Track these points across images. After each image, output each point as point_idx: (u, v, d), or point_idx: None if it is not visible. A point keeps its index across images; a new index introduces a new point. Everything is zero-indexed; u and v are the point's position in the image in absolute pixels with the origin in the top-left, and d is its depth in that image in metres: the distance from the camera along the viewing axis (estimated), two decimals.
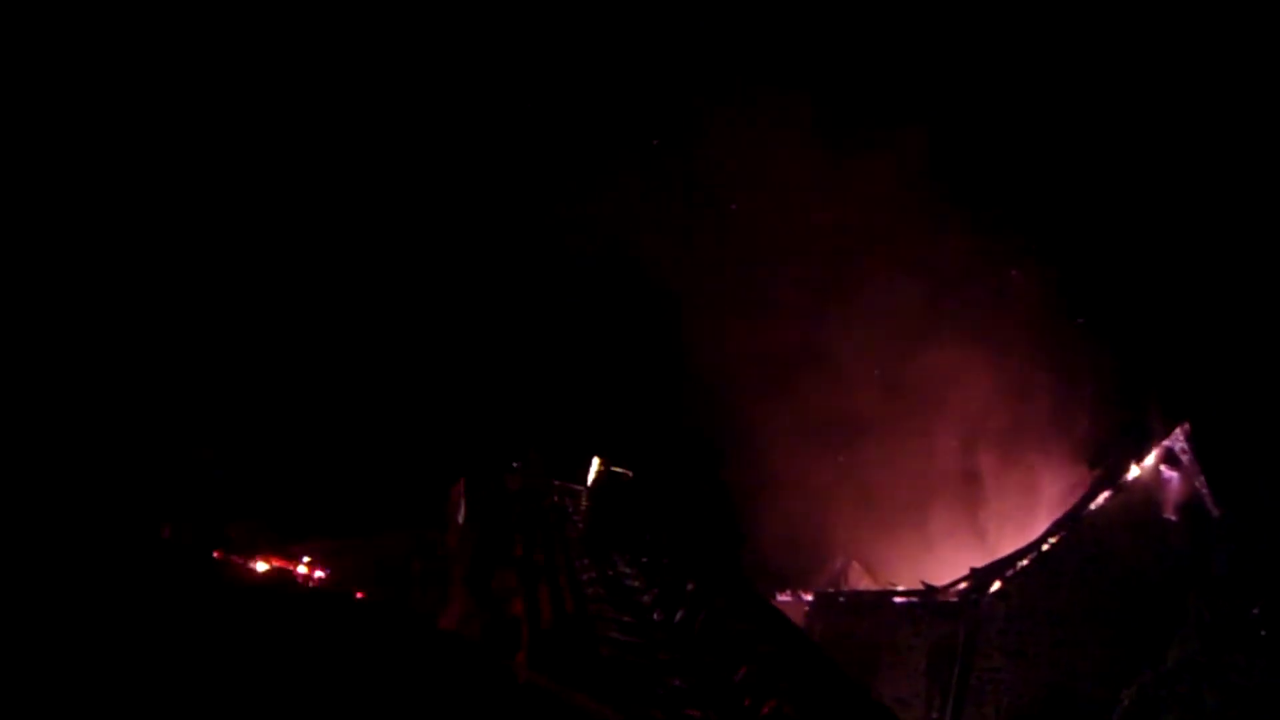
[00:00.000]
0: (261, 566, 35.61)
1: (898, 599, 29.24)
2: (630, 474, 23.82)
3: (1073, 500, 28.54)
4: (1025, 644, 25.62)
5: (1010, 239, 33.39)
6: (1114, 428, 29.14)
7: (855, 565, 33.92)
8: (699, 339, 35.35)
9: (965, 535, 31.15)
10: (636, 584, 17.94)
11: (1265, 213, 28.65)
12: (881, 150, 36.36)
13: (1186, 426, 26.92)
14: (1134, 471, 27.22)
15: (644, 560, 18.54)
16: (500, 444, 27.62)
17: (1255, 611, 19.87)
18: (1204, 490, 26.31)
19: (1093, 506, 27.41)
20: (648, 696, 12.22)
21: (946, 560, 29.91)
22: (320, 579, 36.10)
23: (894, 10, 38.09)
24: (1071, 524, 27.49)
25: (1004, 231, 33.60)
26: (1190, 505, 26.43)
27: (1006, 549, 28.31)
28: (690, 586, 15.66)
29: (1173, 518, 26.44)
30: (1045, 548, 27.24)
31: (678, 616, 15.53)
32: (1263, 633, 19.74)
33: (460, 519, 27.31)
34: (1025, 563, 27.12)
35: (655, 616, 16.06)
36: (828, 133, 36.57)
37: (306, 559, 35.46)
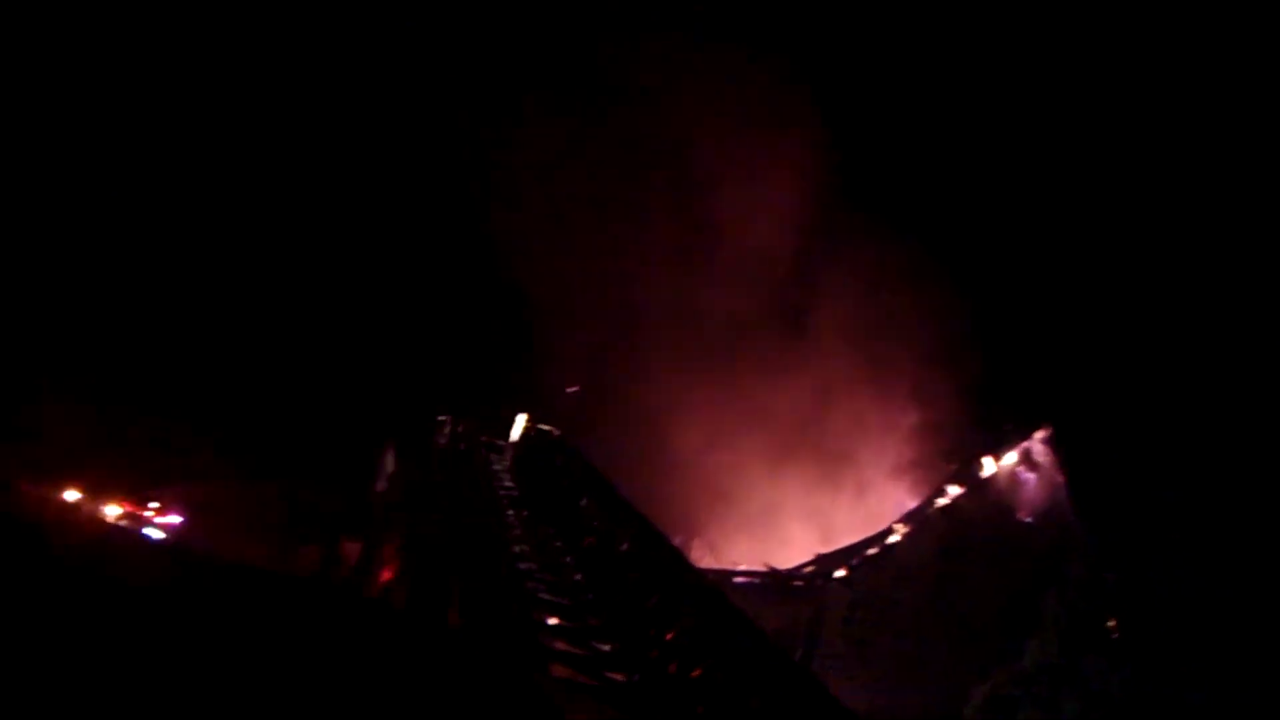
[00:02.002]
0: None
1: (739, 579, 28.60)
2: (557, 432, 22.78)
3: (924, 495, 28.54)
4: (869, 633, 25.21)
5: (879, 232, 33.06)
6: (972, 427, 29.09)
7: (698, 542, 33.21)
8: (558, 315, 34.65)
9: (810, 523, 30.83)
10: (559, 544, 16.98)
11: (1131, 222, 28.95)
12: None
13: (1047, 430, 27.00)
14: (989, 470, 27.19)
15: (569, 519, 17.60)
16: (426, 399, 26.54)
17: (1111, 622, 19.74)
18: (1063, 494, 26.42)
19: (943, 502, 27.29)
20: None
21: (790, 545, 29.61)
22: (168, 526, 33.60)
23: None
24: (920, 517, 27.38)
25: (873, 223, 33.31)
26: (1048, 508, 26.51)
27: (853, 539, 28.18)
28: (622, 548, 14.80)
29: (1029, 519, 26.48)
30: (891, 540, 27.10)
31: (604, 578, 14.75)
32: (1116, 638, 19.60)
33: (389, 472, 26.28)
34: (872, 552, 26.93)
35: (577, 578, 15.26)
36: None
37: (155, 505, 32.98)
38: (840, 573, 26.54)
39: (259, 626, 6.15)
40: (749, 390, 33.50)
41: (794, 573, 27.68)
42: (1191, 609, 18.91)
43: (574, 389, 31.03)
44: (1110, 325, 28.07)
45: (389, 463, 26.46)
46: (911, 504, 28.61)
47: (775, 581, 27.56)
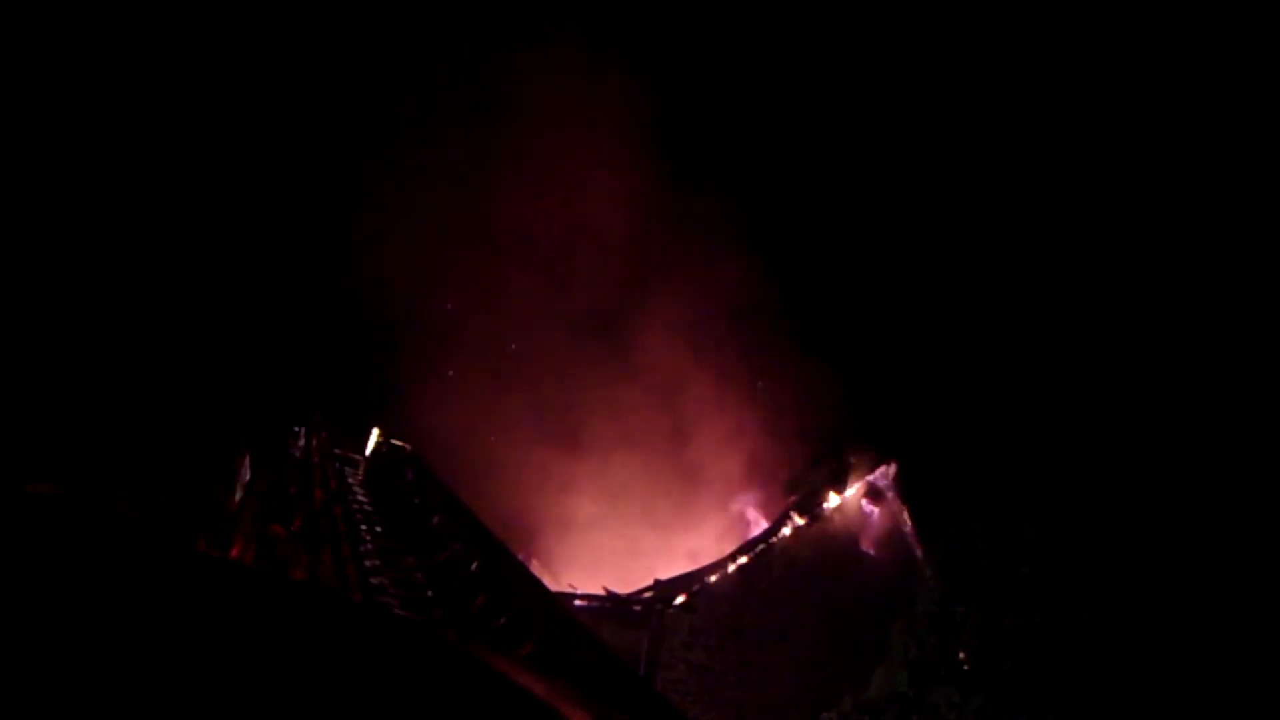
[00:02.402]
0: None
1: (578, 602, 28.14)
2: (409, 447, 22.17)
3: (767, 523, 28.65)
4: (712, 659, 24.97)
5: (729, 254, 33.32)
6: (816, 458, 29.39)
7: (536, 563, 32.60)
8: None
9: (654, 547, 30.59)
10: (411, 561, 16.62)
11: (982, 258, 29.82)
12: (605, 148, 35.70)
13: (893, 464, 27.50)
14: (833, 502, 27.50)
15: (421, 536, 17.30)
16: (281, 410, 25.37)
17: (961, 655, 20.07)
18: (908, 528, 26.91)
19: (785, 531, 27.42)
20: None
21: (633, 570, 29.30)
22: None
23: None
24: (762, 546, 27.42)
25: (722, 244, 33.57)
26: (894, 541, 26.95)
27: (693, 565, 28.06)
28: (472, 566, 14.98)
29: (871, 551, 26.85)
30: (732, 567, 27.06)
31: (454, 595, 14.76)
32: (967, 669, 19.93)
33: (243, 482, 25.23)
34: (713, 579, 26.81)
35: (429, 594, 15.07)
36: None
37: None
38: (680, 599, 26.28)
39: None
40: (591, 410, 33.21)
41: (633, 597, 27.29)
42: (1042, 639, 19.34)
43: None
44: (955, 359, 28.74)
45: (244, 473, 25.65)
46: (754, 532, 28.72)
47: (614, 605, 27.16)
